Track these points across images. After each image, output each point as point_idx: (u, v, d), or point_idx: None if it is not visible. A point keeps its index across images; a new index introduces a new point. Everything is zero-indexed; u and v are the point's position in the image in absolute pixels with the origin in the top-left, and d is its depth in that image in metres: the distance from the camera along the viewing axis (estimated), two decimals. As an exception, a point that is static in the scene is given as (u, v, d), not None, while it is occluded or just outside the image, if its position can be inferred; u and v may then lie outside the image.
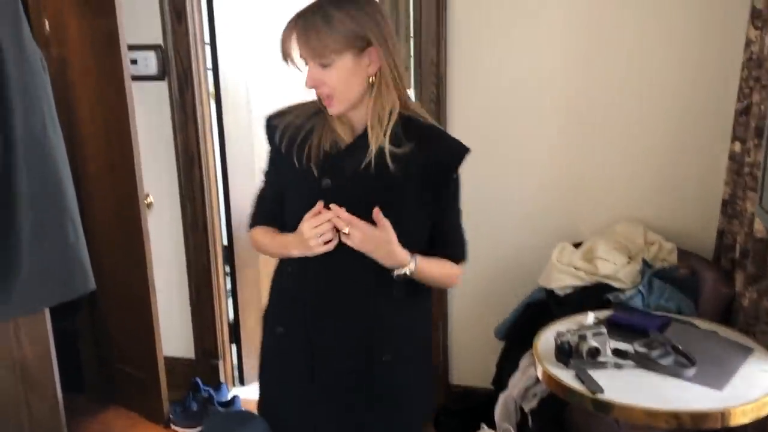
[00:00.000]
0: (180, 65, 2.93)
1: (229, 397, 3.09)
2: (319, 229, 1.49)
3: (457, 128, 2.66)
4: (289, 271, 1.67)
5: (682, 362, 1.84)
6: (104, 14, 2.49)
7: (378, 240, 1.49)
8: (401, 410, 1.69)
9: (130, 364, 3.00)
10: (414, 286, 1.60)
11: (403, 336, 1.65)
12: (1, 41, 1.56)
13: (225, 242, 3.25)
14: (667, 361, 1.85)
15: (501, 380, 2.51)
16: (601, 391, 1.73)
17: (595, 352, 1.83)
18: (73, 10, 2.67)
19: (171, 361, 3.04)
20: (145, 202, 2.73)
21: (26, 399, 1.87)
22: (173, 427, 2.94)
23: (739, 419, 1.68)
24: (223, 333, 3.26)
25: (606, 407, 1.72)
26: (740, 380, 1.80)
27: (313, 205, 1.51)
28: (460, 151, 1.57)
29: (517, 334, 2.48)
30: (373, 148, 1.50)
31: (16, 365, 1.84)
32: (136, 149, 2.61)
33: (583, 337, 1.84)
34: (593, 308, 2.13)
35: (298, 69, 1.52)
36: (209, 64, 3.03)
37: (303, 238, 1.51)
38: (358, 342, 1.62)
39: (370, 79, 1.49)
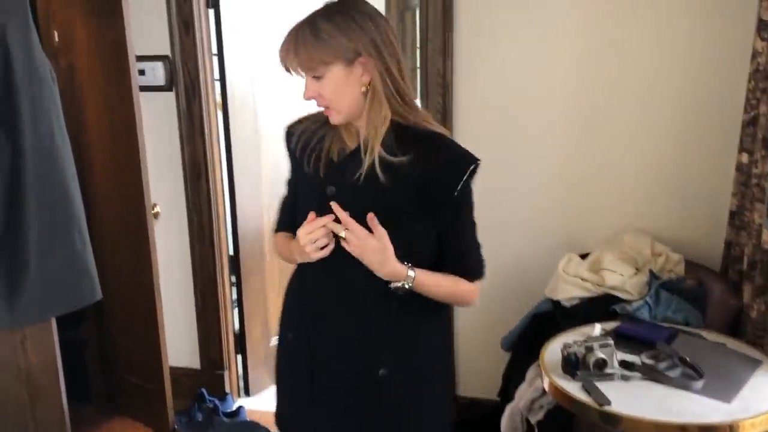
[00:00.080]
0: (187, 76, 2.95)
1: (235, 407, 3.08)
2: (313, 235, 1.51)
3: (463, 138, 2.64)
4: (297, 276, 1.71)
5: (689, 374, 1.82)
6: (113, 25, 2.51)
7: (371, 247, 1.48)
8: (407, 428, 1.66)
9: (135, 374, 3.00)
10: (422, 301, 1.56)
11: (404, 352, 1.61)
12: (12, 51, 1.57)
13: (231, 252, 3.25)
14: (674, 373, 1.84)
15: (507, 392, 2.49)
16: (609, 403, 1.72)
17: (602, 364, 1.82)
18: (82, 21, 2.69)
19: (176, 371, 3.04)
20: (152, 211, 2.74)
21: (32, 408, 1.87)
22: (178, 437, 2.94)
23: (747, 432, 1.67)
24: (229, 343, 3.26)
25: (613, 419, 1.71)
26: (749, 392, 1.79)
27: (319, 211, 1.52)
28: (463, 163, 1.52)
29: (524, 346, 2.47)
30: (368, 158, 1.50)
31: (22, 374, 1.84)
32: (143, 159, 2.63)
33: (590, 349, 1.83)
34: (600, 319, 2.12)
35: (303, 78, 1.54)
36: (216, 75, 3.05)
37: (299, 245, 1.54)
38: (356, 350, 1.61)
39: (363, 89, 1.49)
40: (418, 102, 1.63)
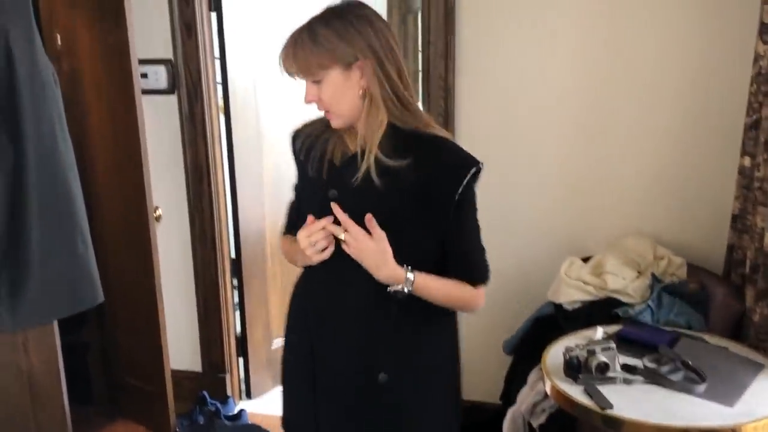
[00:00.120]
0: (190, 79, 2.95)
1: (236, 410, 3.08)
2: (312, 238, 1.51)
3: (465, 141, 2.63)
4: (302, 279, 1.72)
5: (692, 378, 1.82)
6: (115, 29, 2.52)
7: (369, 249, 1.48)
8: None
9: (137, 377, 3.00)
10: (424, 306, 1.56)
11: (405, 358, 1.60)
12: (14, 55, 1.58)
13: (233, 255, 3.25)
14: (676, 376, 1.83)
15: (509, 395, 2.49)
16: (611, 406, 1.72)
17: (604, 368, 1.82)
18: (85, 25, 2.70)
19: (178, 374, 3.04)
20: (154, 214, 2.75)
21: (33, 411, 1.87)
22: (180, 440, 2.94)
23: (750, 436, 1.67)
24: (230, 346, 3.26)
25: (615, 423, 1.71)
26: (751, 396, 1.78)
27: (322, 214, 1.53)
28: (464, 166, 1.51)
29: (526, 349, 2.47)
30: (365, 162, 1.50)
31: (24, 376, 1.84)
32: (145, 162, 2.63)
33: (592, 352, 1.83)
34: (602, 323, 2.11)
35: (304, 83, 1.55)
36: (219, 78, 3.05)
37: (300, 248, 1.55)
38: (356, 354, 1.61)
39: (361, 92, 1.50)
40: (420, 105, 1.62)
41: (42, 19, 2.70)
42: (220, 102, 3.10)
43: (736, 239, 2.32)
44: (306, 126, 1.66)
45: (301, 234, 1.53)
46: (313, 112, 1.61)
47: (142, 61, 2.70)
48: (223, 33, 2.96)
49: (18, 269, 1.63)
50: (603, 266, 2.39)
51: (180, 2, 2.88)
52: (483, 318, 2.76)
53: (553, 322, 2.39)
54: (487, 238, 1.62)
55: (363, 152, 1.51)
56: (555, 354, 1.97)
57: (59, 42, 2.77)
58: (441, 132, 1.57)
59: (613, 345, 1.85)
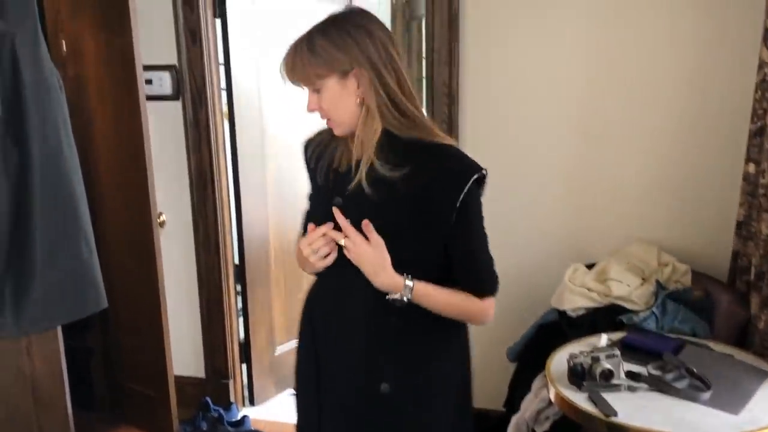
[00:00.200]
0: (194, 85, 2.96)
1: (239, 416, 3.08)
2: (314, 245, 1.53)
3: (469, 148, 2.63)
4: (312, 285, 1.73)
5: (697, 385, 1.81)
6: (120, 35, 2.53)
7: (367, 255, 1.48)
8: None
9: (140, 383, 3.00)
10: (428, 316, 1.54)
11: (409, 369, 1.59)
12: (20, 61, 1.58)
13: (236, 261, 3.26)
14: (681, 384, 1.82)
15: (513, 402, 2.48)
16: (615, 414, 1.71)
17: (608, 375, 1.81)
18: (90, 32, 2.71)
19: (181, 380, 3.04)
20: (158, 220, 2.75)
21: (37, 416, 1.87)
22: (183, 446, 2.94)
23: (755, 444, 1.66)
24: (234, 352, 3.26)
25: (620, 431, 1.70)
26: (756, 404, 1.77)
27: (327, 221, 1.54)
28: (465, 173, 1.49)
29: (530, 356, 2.46)
30: (359, 171, 1.51)
31: (28, 381, 1.84)
32: (149, 168, 2.63)
33: (596, 359, 1.82)
34: (606, 330, 2.11)
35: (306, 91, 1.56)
36: (223, 84, 3.06)
37: (303, 256, 1.57)
38: (359, 363, 1.61)
39: (358, 101, 1.50)
40: (424, 112, 1.62)
41: (47, 25, 2.72)
42: (225, 108, 3.11)
43: (740, 246, 2.31)
44: (317, 134, 1.67)
45: (304, 242, 1.56)
46: (317, 120, 1.61)
47: (147, 67, 2.70)
48: (228, 39, 2.97)
49: (22, 274, 1.64)
50: (607, 273, 2.38)
51: (185, 9, 2.90)
52: (487, 325, 2.76)
53: (557, 329, 2.39)
54: (490, 244, 1.61)
55: (356, 162, 1.52)
56: (559, 361, 1.96)
57: (64, 48, 2.78)
58: (445, 140, 1.55)
59: (617, 352, 1.84)
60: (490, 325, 2.70)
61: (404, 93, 1.50)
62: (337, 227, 1.52)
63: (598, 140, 2.59)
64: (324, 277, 1.64)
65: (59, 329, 1.86)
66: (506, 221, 2.65)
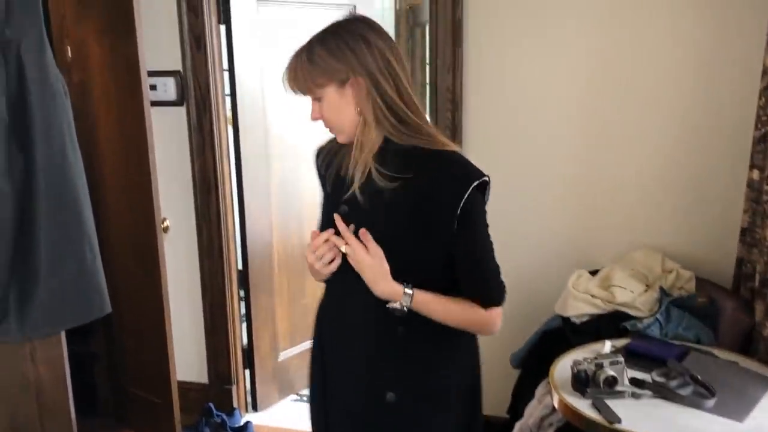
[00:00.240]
0: (198, 91, 2.97)
1: (242, 422, 3.07)
2: (318, 252, 1.54)
3: (473, 154, 2.65)
4: (324, 290, 1.74)
5: (701, 393, 1.81)
6: (125, 41, 2.53)
7: (366, 263, 1.49)
8: None
9: (143, 388, 3.00)
10: (433, 326, 1.53)
11: (414, 378, 1.58)
12: (26, 67, 1.59)
13: (240, 267, 3.26)
14: (685, 391, 1.82)
15: (516, 409, 2.48)
16: (619, 421, 1.70)
17: (612, 381, 1.81)
18: (95, 37, 2.72)
19: (184, 386, 3.04)
20: (162, 225, 2.75)
21: (40, 421, 1.87)
22: (185, 452, 2.93)
23: (760, 452, 1.65)
24: (237, 358, 3.26)
25: (624, 438, 1.69)
26: (761, 412, 1.77)
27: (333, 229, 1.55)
28: (465, 180, 1.48)
29: (533, 363, 2.46)
30: (356, 180, 1.51)
31: (31, 387, 1.84)
32: (153, 173, 2.64)
33: (600, 366, 1.82)
34: (610, 336, 2.11)
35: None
36: (227, 90, 3.07)
37: (308, 263, 1.58)
38: (364, 371, 1.61)
39: (357, 109, 1.51)
40: (427, 118, 1.62)
41: (53, 31, 2.73)
42: (229, 114, 3.12)
43: (745, 253, 2.31)
44: (328, 142, 1.68)
45: (308, 250, 1.57)
46: (321, 127, 1.62)
47: (151, 73, 2.71)
48: (232, 45, 2.98)
49: (26, 279, 1.64)
50: (611, 279, 2.38)
51: (189, 15, 2.91)
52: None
53: (560, 335, 2.38)
54: (494, 250, 1.60)
55: (353, 170, 1.53)
56: (563, 367, 1.96)
57: (70, 54, 2.79)
58: (448, 146, 1.54)
59: (621, 359, 1.84)
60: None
61: (404, 100, 1.50)
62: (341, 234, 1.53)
63: (601, 146, 2.59)
64: (331, 284, 1.65)
65: (63, 334, 1.86)
66: (510, 227, 2.65)
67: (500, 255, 1.58)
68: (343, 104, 1.50)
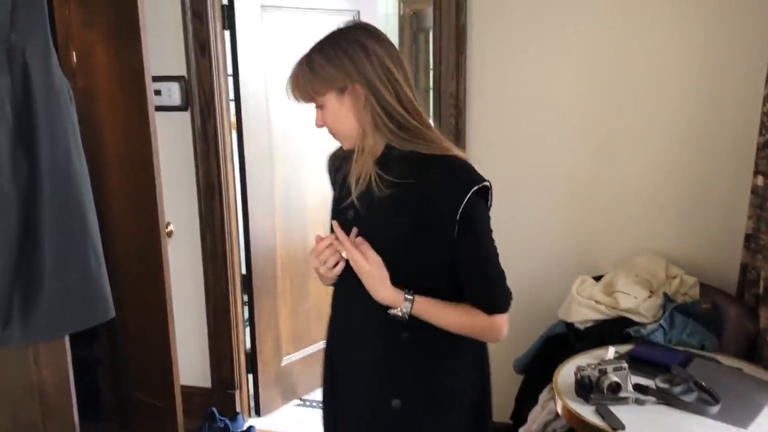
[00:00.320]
0: (203, 96, 2.98)
1: (245, 427, 3.07)
2: (322, 257, 1.54)
3: (476, 160, 2.65)
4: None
5: (705, 399, 1.80)
6: (130, 47, 2.54)
7: (365, 270, 1.50)
8: None
9: (147, 393, 3.00)
10: (438, 333, 1.53)
11: (420, 384, 1.58)
12: (31, 71, 1.60)
13: (243, 271, 3.26)
14: (689, 397, 1.81)
15: (520, 415, 2.47)
16: (623, 427, 1.70)
17: (616, 388, 1.80)
18: (100, 43, 2.73)
19: (188, 390, 3.04)
20: (166, 230, 2.76)
21: (44, 425, 1.87)
22: (188, 457, 2.93)
23: (764, 459, 1.65)
24: (240, 362, 3.26)
25: (627, 444, 1.69)
26: (765, 418, 1.76)
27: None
28: (464, 185, 1.47)
29: (537, 368, 2.45)
30: (358, 186, 1.52)
31: (34, 391, 1.84)
32: (158, 178, 2.64)
33: (603, 372, 1.81)
34: (614, 342, 2.10)
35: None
36: (232, 95, 3.08)
37: (313, 267, 1.59)
38: (370, 376, 1.61)
39: (357, 116, 1.51)
40: (431, 124, 1.62)
41: (58, 36, 2.74)
42: (233, 118, 3.13)
43: (749, 259, 2.30)
44: (339, 148, 1.69)
45: (311, 255, 1.57)
46: (325, 133, 1.63)
47: (156, 78, 2.72)
48: (236, 51, 2.99)
49: (30, 284, 1.64)
50: (615, 285, 2.37)
51: (194, 21, 2.92)
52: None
53: (564, 341, 2.38)
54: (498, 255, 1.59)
55: (357, 177, 1.53)
56: (566, 373, 1.96)
57: (75, 59, 2.80)
58: (450, 151, 1.53)
59: (625, 365, 1.84)
60: (497, 336, 2.67)
61: (404, 107, 1.49)
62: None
63: (605, 152, 2.59)
64: (337, 288, 1.67)
65: (67, 339, 1.86)
66: (514, 232, 2.65)
67: (504, 260, 1.56)
68: (343, 111, 1.51)
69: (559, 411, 1.89)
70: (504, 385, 2.68)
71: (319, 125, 1.56)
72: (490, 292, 1.52)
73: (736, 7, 2.36)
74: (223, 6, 2.97)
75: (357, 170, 1.52)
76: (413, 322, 1.51)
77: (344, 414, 1.69)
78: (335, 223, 1.54)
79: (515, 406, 2.58)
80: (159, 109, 2.75)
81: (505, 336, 1.55)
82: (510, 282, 1.55)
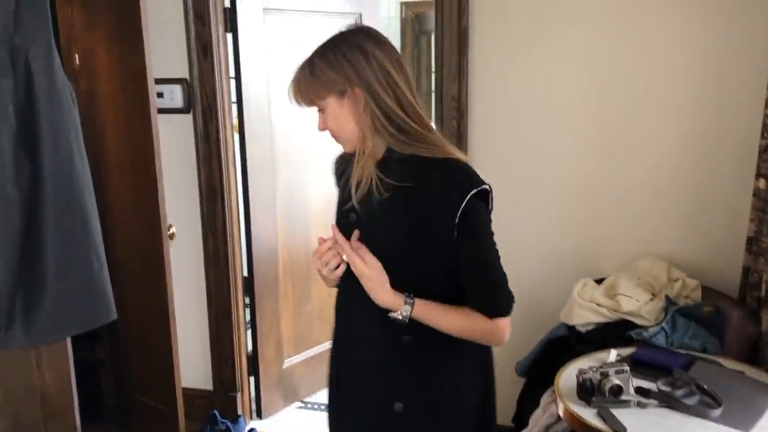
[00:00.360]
0: (205, 99, 2.99)
1: (247, 429, 3.07)
2: (324, 258, 1.55)
3: (478, 163, 2.65)
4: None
5: (707, 402, 1.80)
6: (133, 49, 2.55)
7: (363, 274, 1.50)
8: None
9: (148, 395, 3.00)
10: (440, 336, 1.52)
11: (422, 387, 1.58)
12: (34, 73, 1.60)
13: (245, 274, 3.26)
14: (691, 400, 1.81)
15: (521, 418, 2.47)
16: (624, 430, 1.70)
17: (617, 390, 1.80)
18: (103, 45, 2.74)
19: (189, 393, 3.04)
20: (168, 232, 2.76)
21: (45, 427, 1.87)
22: (190, 459, 2.93)
23: (767, 462, 1.64)
24: (242, 365, 3.26)
25: (629, 447, 1.69)
26: (767, 422, 1.75)
27: (344, 236, 1.56)
28: (461, 189, 1.46)
29: (538, 371, 2.45)
30: (359, 190, 1.52)
31: (37, 393, 1.84)
32: (160, 181, 2.65)
33: (605, 375, 1.81)
34: (615, 345, 2.10)
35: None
36: (234, 98, 3.08)
37: (317, 268, 1.59)
38: (371, 377, 1.62)
39: (355, 120, 1.52)
40: (433, 126, 1.62)
41: (61, 39, 2.75)
42: (235, 121, 3.13)
43: (751, 262, 2.30)
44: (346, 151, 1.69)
45: (314, 257, 1.58)
46: (328, 137, 1.63)
47: (158, 81, 2.72)
48: (239, 53, 2.99)
49: (33, 286, 1.65)
50: (616, 288, 2.37)
51: (197, 24, 2.93)
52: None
53: (566, 343, 2.38)
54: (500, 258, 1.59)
55: (358, 180, 1.54)
56: (568, 376, 1.95)
57: (77, 61, 2.81)
58: (452, 154, 1.53)
59: (626, 368, 1.83)
60: (499, 339, 2.66)
61: (404, 110, 1.49)
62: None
63: (607, 155, 2.59)
64: (340, 289, 1.67)
65: (69, 341, 1.87)
66: (515, 234, 2.65)
67: (505, 262, 1.55)
68: (344, 115, 1.51)
69: (561, 414, 1.89)
70: (505, 388, 2.67)
71: (322, 129, 1.57)
72: (491, 296, 1.52)
73: (739, 10, 2.36)
74: (225, 9, 2.97)
75: (358, 173, 1.52)
76: (414, 325, 1.51)
77: (348, 418, 1.69)
78: (334, 227, 1.55)
79: (517, 409, 2.57)
80: (161, 111, 2.76)
81: (508, 339, 1.55)
82: (511, 284, 1.54)
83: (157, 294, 2.77)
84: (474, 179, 1.50)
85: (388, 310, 1.51)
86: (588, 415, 1.78)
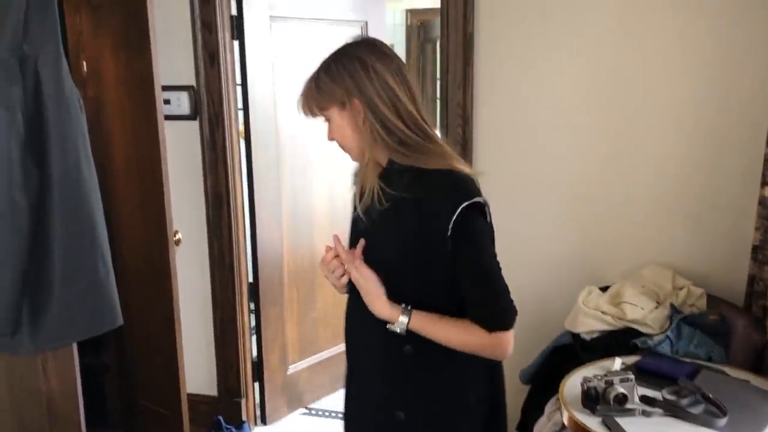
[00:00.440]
0: (212, 105, 3.00)
1: (251, 436, 3.07)
2: (330, 266, 1.59)
3: (483, 170, 2.66)
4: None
5: (712, 411, 1.79)
6: (140, 56, 2.57)
7: (360, 285, 1.53)
8: None
9: (153, 400, 3.00)
10: (442, 346, 1.52)
11: (426, 398, 1.57)
12: (42, 81, 1.62)
13: (251, 280, 3.27)
14: (697, 409, 1.81)
15: (526, 425, 2.46)
16: (629, 439, 1.69)
17: (622, 399, 1.80)
18: (111, 52, 2.76)
19: (194, 398, 3.05)
20: (174, 238, 2.77)
21: (51, 432, 1.88)
22: (194, 465, 2.93)
23: (772, 472, 1.64)
24: (246, 371, 3.26)
25: (634, 456, 1.68)
26: (773, 431, 1.75)
27: (352, 247, 1.60)
28: (453, 201, 1.46)
29: (543, 379, 2.44)
30: (363, 201, 1.54)
31: (42, 398, 1.85)
32: (166, 187, 2.66)
33: (610, 383, 1.81)
34: (620, 353, 2.09)
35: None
36: (240, 105, 3.10)
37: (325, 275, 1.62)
38: (374, 385, 1.63)
39: (355, 131, 1.55)
40: (438, 136, 1.62)
41: (69, 46, 2.77)
42: (241, 127, 3.15)
43: (756, 270, 2.29)
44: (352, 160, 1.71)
45: (321, 265, 1.61)
46: (334, 145, 1.65)
47: (165, 88, 2.74)
48: (245, 61, 3.01)
49: (40, 292, 1.66)
50: (621, 296, 2.37)
51: (203, 31, 2.95)
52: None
53: (570, 351, 2.37)
54: (504, 265, 1.55)
55: (361, 191, 1.56)
56: (572, 384, 1.95)
57: (85, 69, 2.83)
58: (451, 166, 1.51)
59: (631, 376, 1.83)
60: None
61: (405, 122, 1.50)
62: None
63: (612, 161, 2.59)
64: (349, 296, 1.68)
65: (75, 346, 1.88)
66: (520, 241, 2.65)
67: (509, 270, 1.54)
68: (346, 126, 1.55)
69: (566, 422, 1.89)
70: (510, 396, 2.65)
71: (330, 139, 1.60)
72: (490, 308, 1.49)
73: (744, 13, 2.35)
74: (232, 16, 2.99)
75: (362, 183, 1.55)
76: (415, 335, 1.51)
77: (353, 422, 1.71)
78: (335, 236, 1.58)
79: (521, 417, 2.57)
80: (168, 118, 2.77)
81: (510, 354, 1.52)
82: (515, 292, 1.51)
83: (162, 299, 2.78)
84: (469, 191, 1.49)
85: (387, 321, 1.52)
86: (592, 423, 1.78)
